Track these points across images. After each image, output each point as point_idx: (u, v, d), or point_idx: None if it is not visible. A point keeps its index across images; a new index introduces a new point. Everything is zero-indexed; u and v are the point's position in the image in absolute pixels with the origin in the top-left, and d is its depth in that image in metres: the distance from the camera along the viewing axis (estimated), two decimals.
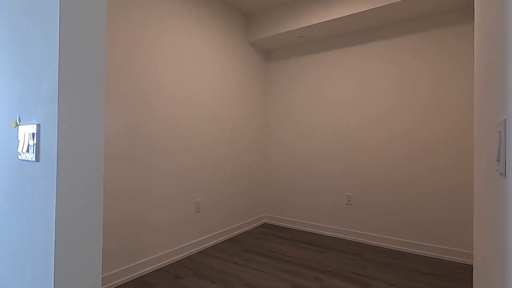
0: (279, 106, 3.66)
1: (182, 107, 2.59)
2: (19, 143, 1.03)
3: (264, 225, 3.56)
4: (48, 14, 0.93)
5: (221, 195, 3.01)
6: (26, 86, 1.03)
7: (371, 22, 2.86)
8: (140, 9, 2.22)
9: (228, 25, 3.13)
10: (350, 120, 3.10)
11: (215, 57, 2.95)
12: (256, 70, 3.61)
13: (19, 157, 1.03)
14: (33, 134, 0.96)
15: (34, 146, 0.96)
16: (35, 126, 0.96)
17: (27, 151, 0.99)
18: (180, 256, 2.52)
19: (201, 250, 2.71)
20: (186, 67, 2.63)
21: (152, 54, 2.32)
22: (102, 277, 1.95)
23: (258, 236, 3.15)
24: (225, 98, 3.08)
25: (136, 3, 2.20)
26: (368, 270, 2.31)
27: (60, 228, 0.88)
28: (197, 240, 2.70)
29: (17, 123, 1.05)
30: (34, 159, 0.96)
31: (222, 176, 3.04)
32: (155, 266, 2.31)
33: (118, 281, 2.05)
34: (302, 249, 2.77)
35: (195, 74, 2.72)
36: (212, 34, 2.91)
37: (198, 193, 2.74)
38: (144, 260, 2.24)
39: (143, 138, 2.25)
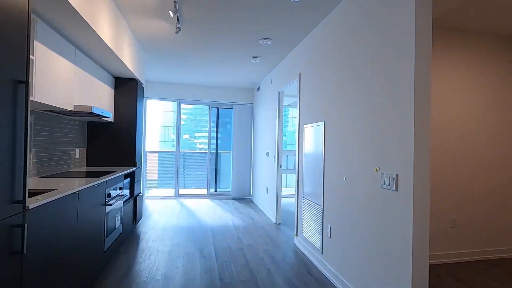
0: None
1: (448, 132, 3.09)
2: (381, 180, 2.02)
3: None
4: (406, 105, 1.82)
5: (478, 215, 3.21)
6: (384, 147, 2.00)
7: None
8: None
9: (491, 49, 3.25)
10: None
11: (481, 82, 3.20)
12: None
13: (381, 187, 2.02)
14: (393, 178, 1.90)
15: (394, 183, 1.89)
16: (395, 175, 1.88)
17: (388, 185, 1.94)
18: (437, 261, 3.05)
19: (456, 262, 3.09)
20: (458, 98, 3.10)
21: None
22: None
23: None
24: (487, 118, 3.24)
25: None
26: None
27: (416, 235, 1.73)
28: (451, 252, 3.11)
29: (377, 169, 2.05)
30: (394, 189, 1.89)
31: (480, 196, 3.22)
32: None
33: None
34: None
35: (463, 101, 3.13)
36: (479, 64, 3.18)
37: (454, 210, 3.13)
38: None
39: None
